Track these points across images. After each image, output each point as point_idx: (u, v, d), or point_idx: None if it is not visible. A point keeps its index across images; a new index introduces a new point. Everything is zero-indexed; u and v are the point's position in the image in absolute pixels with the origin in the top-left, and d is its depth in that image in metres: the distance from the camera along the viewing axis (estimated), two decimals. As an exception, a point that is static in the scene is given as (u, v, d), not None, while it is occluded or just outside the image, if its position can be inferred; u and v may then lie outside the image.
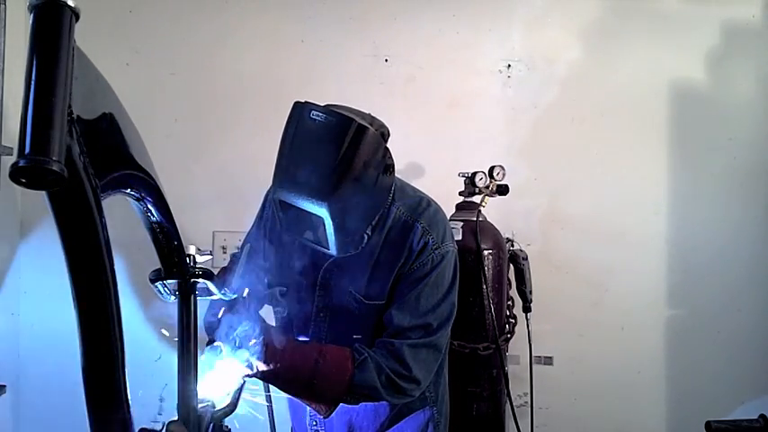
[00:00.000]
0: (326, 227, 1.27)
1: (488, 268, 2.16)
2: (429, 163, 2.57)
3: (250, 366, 1.26)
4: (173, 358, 1.02)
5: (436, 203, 1.51)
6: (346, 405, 1.37)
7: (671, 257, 2.67)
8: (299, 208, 1.27)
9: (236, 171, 2.54)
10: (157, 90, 2.59)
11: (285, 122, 1.31)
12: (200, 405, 1.06)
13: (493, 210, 2.29)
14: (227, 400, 1.19)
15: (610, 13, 2.67)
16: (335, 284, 1.45)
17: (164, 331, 1.06)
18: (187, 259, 1.01)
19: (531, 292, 2.33)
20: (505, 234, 2.33)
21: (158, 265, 0.98)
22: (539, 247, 2.58)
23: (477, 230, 2.14)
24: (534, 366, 2.41)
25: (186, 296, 1.02)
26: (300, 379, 1.31)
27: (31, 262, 2.55)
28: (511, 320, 2.32)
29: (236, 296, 1.18)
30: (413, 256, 1.41)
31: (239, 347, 1.26)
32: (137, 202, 0.85)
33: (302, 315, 1.49)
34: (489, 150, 2.55)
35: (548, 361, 2.60)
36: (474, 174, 2.22)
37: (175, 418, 1.00)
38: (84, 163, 0.59)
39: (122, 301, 0.68)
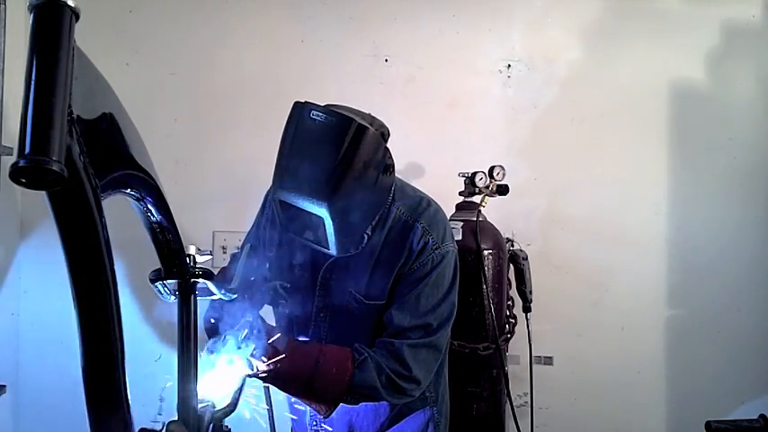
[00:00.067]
0: (326, 227, 1.27)
1: (488, 268, 2.16)
2: (429, 163, 2.57)
3: (250, 366, 1.26)
4: (173, 358, 1.02)
5: (436, 203, 1.51)
6: (346, 405, 1.37)
7: (671, 257, 2.67)
8: (299, 208, 1.27)
9: (237, 171, 2.54)
10: (157, 90, 2.59)
11: (285, 122, 1.31)
12: (200, 405, 1.06)
13: (493, 210, 2.29)
14: (227, 400, 1.19)
15: (610, 13, 2.67)
16: (335, 284, 1.45)
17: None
18: (187, 259, 1.01)
19: (531, 292, 2.33)
20: (505, 234, 2.33)
21: (158, 265, 0.98)
22: (539, 247, 2.58)
23: (477, 230, 2.14)
24: (534, 366, 2.41)
25: (186, 296, 1.02)
26: (300, 379, 1.31)
27: (31, 262, 2.55)
28: (511, 320, 2.32)
29: (236, 296, 1.18)
30: (413, 256, 1.41)
31: (239, 347, 1.26)
32: (137, 202, 0.85)
33: (302, 315, 1.49)
34: (489, 150, 2.55)
35: (548, 361, 2.60)
36: (474, 174, 2.22)
37: (175, 418, 1.00)
38: (84, 163, 0.59)
39: (122, 301, 0.68)
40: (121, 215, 0.90)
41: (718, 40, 2.67)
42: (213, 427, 1.09)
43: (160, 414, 1.02)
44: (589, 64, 2.67)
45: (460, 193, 2.30)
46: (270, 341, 1.28)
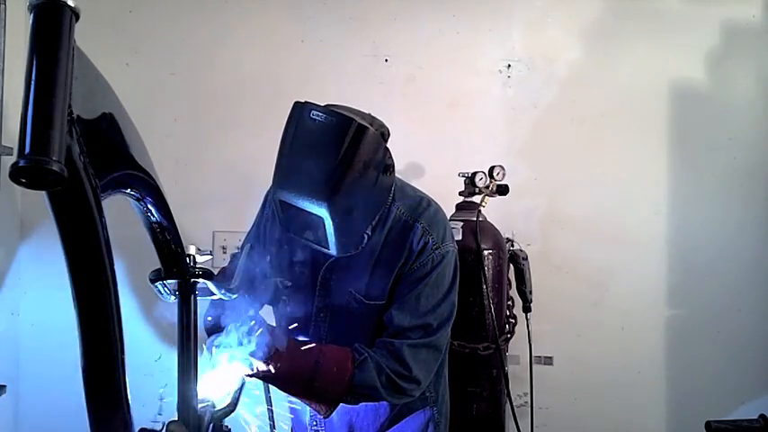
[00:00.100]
0: (326, 227, 1.27)
1: (488, 268, 2.16)
2: (429, 163, 2.57)
3: (250, 366, 1.26)
4: (173, 358, 1.02)
5: (436, 203, 1.51)
6: (346, 405, 1.37)
7: (671, 257, 2.67)
8: (299, 208, 1.27)
9: (236, 171, 2.54)
10: (157, 90, 2.59)
11: (285, 122, 1.31)
12: (200, 405, 1.06)
13: (493, 210, 2.29)
14: (228, 400, 1.19)
15: (610, 13, 2.67)
16: (335, 285, 1.45)
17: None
18: (187, 259, 1.01)
19: (531, 292, 2.33)
20: (505, 234, 2.33)
21: (158, 265, 0.98)
22: (539, 247, 2.58)
23: (477, 230, 2.14)
24: (534, 366, 2.41)
25: (186, 296, 1.02)
26: (300, 379, 1.31)
27: (31, 262, 2.55)
28: (511, 320, 2.32)
29: (236, 296, 1.18)
30: (413, 256, 1.41)
31: (239, 347, 1.26)
32: (137, 202, 0.85)
33: (302, 315, 1.49)
34: (489, 150, 2.55)
35: (548, 361, 2.60)
36: (474, 174, 2.22)
37: (175, 418, 1.00)
38: (84, 163, 0.59)
39: (122, 301, 0.68)
40: (121, 215, 0.90)
41: (718, 40, 2.67)
42: (213, 427, 1.09)
43: (160, 414, 1.02)
44: (589, 64, 2.67)
45: (460, 193, 2.30)
46: (270, 341, 1.28)
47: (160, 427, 0.93)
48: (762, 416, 1.70)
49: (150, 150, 0.86)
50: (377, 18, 2.66)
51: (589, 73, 2.67)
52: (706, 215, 2.68)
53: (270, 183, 1.34)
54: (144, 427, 0.85)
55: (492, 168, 2.26)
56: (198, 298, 1.05)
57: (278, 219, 1.39)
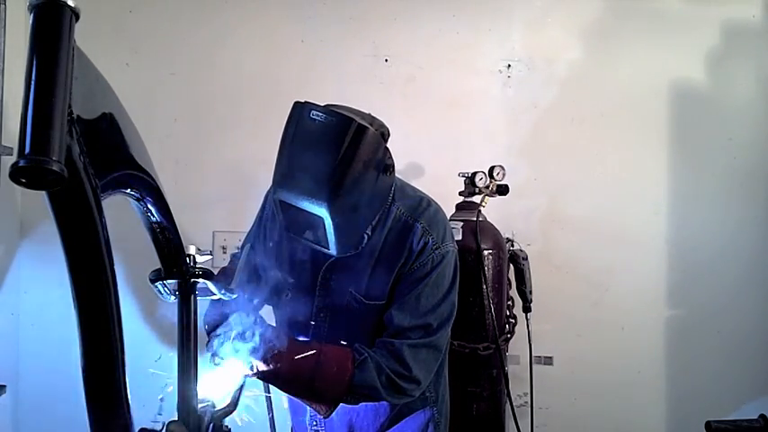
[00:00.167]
0: (326, 227, 1.27)
1: (488, 268, 2.16)
2: (429, 163, 2.57)
3: (250, 366, 1.26)
4: (173, 358, 1.02)
5: (436, 203, 1.51)
6: (346, 405, 1.37)
7: (671, 257, 2.67)
8: (299, 208, 1.27)
9: (236, 171, 2.54)
10: (157, 90, 2.59)
11: (285, 122, 1.31)
12: (200, 405, 1.06)
13: (493, 210, 2.29)
14: (228, 400, 1.19)
15: (610, 13, 2.67)
16: (335, 285, 1.45)
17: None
18: (187, 259, 1.01)
19: (531, 292, 2.33)
20: (505, 234, 2.33)
21: (158, 265, 0.98)
22: (539, 247, 2.58)
23: (477, 230, 2.14)
24: (534, 366, 2.41)
25: (186, 296, 1.02)
26: (300, 379, 1.31)
27: (31, 262, 2.55)
28: (511, 320, 2.32)
29: (236, 296, 1.18)
30: (413, 257, 1.41)
31: (239, 347, 1.26)
32: (137, 202, 0.85)
33: (302, 315, 1.49)
34: (489, 150, 2.55)
35: (548, 361, 2.60)
36: (474, 174, 2.22)
37: (175, 418, 1.00)
38: (84, 163, 0.59)
39: (122, 301, 0.68)
40: (121, 215, 0.90)
41: (718, 40, 2.67)
42: (213, 427, 1.09)
43: (160, 414, 1.02)
44: (589, 64, 2.67)
45: (460, 193, 2.30)
46: (270, 341, 1.28)
47: (160, 427, 0.93)
48: (762, 416, 1.70)
49: (150, 150, 0.86)
50: (377, 18, 2.66)
51: (589, 73, 2.67)
52: (706, 215, 2.68)
53: (270, 183, 1.34)
54: (144, 427, 0.85)
55: (492, 168, 2.26)
56: (198, 298, 1.05)
57: (278, 219, 1.39)
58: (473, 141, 2.64)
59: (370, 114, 1.35)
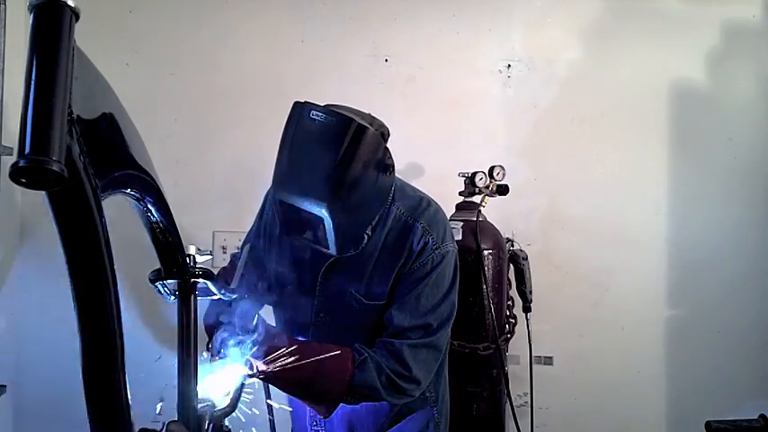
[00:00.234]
0: (326, 227, 1.27)
1: (488, 268, 2.16)
2: (429, 163, 2.57)
3: (250, 366, 1.26)
4: (173, 358, 1.02)
5: (436, 203, 1.51)
6: (346, 405, 1.37)
7: (671, 257, 2.68)
8: (298, 208, 1.27)
9: (236, 171, 2.54)
10: (157, 90, 2.59)
11: (285, 122, 1.31)
12: (200, 405, 1.06)
13: (493, 210, 2.29)
14: (227, 400, 1.19)
15: (610, 13, 2.67)
16: (335, 285, 1.45)
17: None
18: (187, 259, 1.01)
19: (531, 292, 2.33)
20: (505, 234, 2.33)
21: (158, 265, 0.98)
22: (539, 247, 2.58)
23: (477, 230, 2.14)
24: (534, 366, 2.41)
25: (186, 296, 1.02)
26: (300, 379, 1.31)
27: (31, 262, 2.55)
28: (511, 320, 2.32)
29: (236, 296, 1.18)
30: (413, 257, 1.41)
31: (239, 347, 1.26)
32: (137, 202, 0.85)
33: (302, 315, 1.49)
34: (489, 150, 2.55)
35: (548, 361, 2.60)
36: (474, 174, 2.22)
37: (175, 418, 1.00)
38: (84, 163, 0.59)
39: (122, 301, 0.68)
40: (121, 215, 0.90)
41: (718, 40, 2.67)
42: (213, 427, 1.09)
43: (160, 414, 1.02)
44: (589, 64, 2.67)
45: (460, 193, 2.30)
46: (270, 341, 1.28)
47: (160, 427, 0.93)
48: (762, 416, 1.70)
49: (150, 150, 0.86)
50: (377, 18, 2.66)
51: (589, 73, 2.67)
52: (706, 215, 2.68)
53: (270, 183, 1.34)
54: (144, 427, 0.85)
55: (492, 168, 2.26)
56: (198, 298, 1.05)
57: (278, 219, 1.39)
58: (473, 141, 2.64)
59: (370, 114, 1.35)
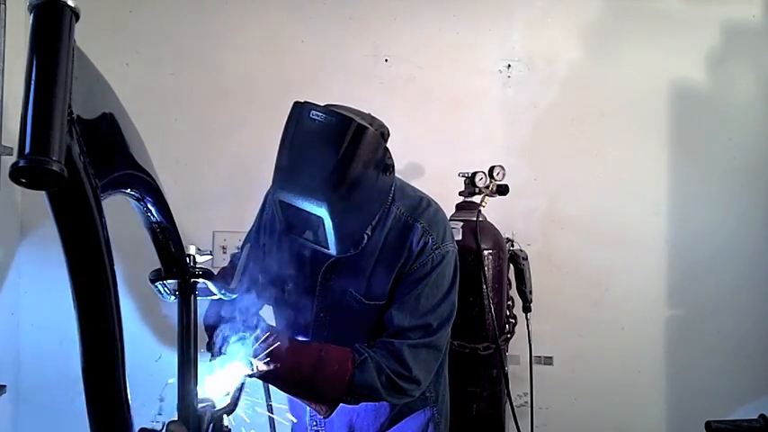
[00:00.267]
0: (326, 227, 1.27)
1: (488, 268, 2.16)
2: (429, 163, 2.57)
3: (250, 366, 1.26)
4: (173, 358, 1.02)
5: (436, 203, 1.51)
6: (347, 405, 1.37)
7: (671, 257, 2.68)
8: (298, 208, 1.27)
9: (237, 171, 2.54)
10: (157, 90, 2.59)
11: (285, 122, 1.31)
12: (200, 405, 1.06)
13: (493, 210, 2.29)
14: (228, 400, 1.19)
15: (610, 13, 2.67)
16: (335, 285, 1.45)
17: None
18: (187, 259, 1.01)
19: (531, 292, 2.33)
20: (505, 234, 2.33)
21: (158, 265, 0.98)
22: (539, 247, 2.58)
23: (477, 230, 2.14)
24: (534, 366, 2.41)
25: (186, 296, 1.02)
26: (300, 379, 1.31)
27: (31, 262, 2.55)
28: (511, 320, 2.32)
29: (236, 296, 1.18)
30: (413, 257, 1.41)
31: (239, 347, 1.26)
32: (137, 202, 0.85)
33: (302, 315, 1.49)
34: (489, 150, 2.55)
35: (548, 361, 2.60)
36: (474, 174, 2.22)
37: (175, 418, 1.00)
38: (84, 163, 0.59)
39: (122, 301, 0.68)
40: (121, 215, 0.90)
41: (718, 40, 2.67)
42: (213, 426, 1.09)
43: (160, 414, 1.02)
44: (589, 64, 2.67)
45: (460, 193, 2.30)
46: (270, 341, 1.28)
47: (160, 427, 0.93)
48: (762, 416, 1.71)
49: (150, 150, 0.86)
50: (377, 18, 2.66)
51: (589, 73, 2.67)
52: (706, 215, 2.68)
53: (270, 183, 1.34)
54: (144, 426, 0.85)
55: (492, 168, 2.26)
56: (198, 298, 1.05)
57: (278, 219, 1.39)
58: (473, 141, 2.64)
59: (370, 114, 1.35)
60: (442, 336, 1.43)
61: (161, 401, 1.06)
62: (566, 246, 2.65)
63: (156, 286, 1.01)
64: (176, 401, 1.01)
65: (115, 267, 0.66)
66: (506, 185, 2.26)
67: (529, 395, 2.40)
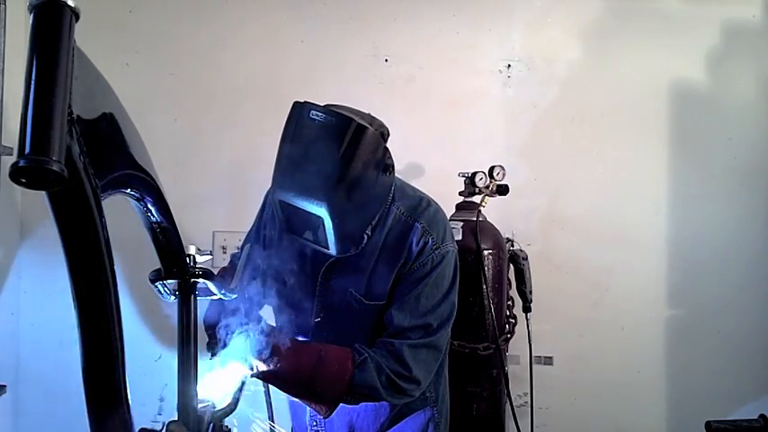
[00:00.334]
0: (326, 227, 1.27)
1: (488, 268, 2.16)
2: (429, 163, 2.57)
3: (250, 366, 1.26)
4: (173, 358, 1.02)
5: (436, 203, 1.51)
6: (347, 405, 1.37)
7: (671, 257, 2.67)
8: (298, 208, 1.27)
9: (236, 171, 2.54)
10: (157, 90, 2.59)
11: (285, 122, 1.31)
12: (200, 405, 1.06)
13: (493, 210, 2.29)
14: (228, 400, 1.19)
15: (610, 13, 2.67)
16: (335, 285, 1.45)
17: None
18: (187, 259, 1.01)
19: (531, 292, 2.33)
20: (505, 234, 2.33)
21: (158, 265, 0.98)
22: (539, 247, 2.58)
23: (477, 230, 2.14)
24: (534, 366, 2.41)
25: (186, 296, 1.02)
26: (301, 379, 1.31)
27: (31, 262, 2.55)
28: (511, 320, 2.32)
29: (235, 296, 1.18)
30: (413, 257, 1.41)
31: (239, 347, 1.26)
32: (137, 202, 0.85)
33: (302, 315, 1.49)
34: (489, 150, 2.55)
35: (548, 361, 2.60)
36: (474, 174, 2.22)
37: (175, 418, 1.00)
38: (84, 163, 0.59)
39: (122, 301, 0.68)
40: (121, 215, 0.90)
41: (718, 40, 2.67)
42: (213, 427, 1.09)
43: (160, 414, 1.02)
44: (589, 64, 2.67)
45: (460, 193, 2.30)
46: (270, 341, 1.28)
47: (160, 427, 0.93)
48: (762, 416, 1.71)
49: (150, 150, 0.86)
50: (377, 18, 2.66)
51: (589, 73, 2.67)
52: (706, 215, 2.68)
53: (270, 183, 1.34)
54: (144, 427, 0.85)
55: (492, 168, 2.26)
56: (198, 298, 1.05)
57: (278, 219, 1.39)
58: (473, 141, 2.64)
59: (369, 114, 1.35)
60: (442, 336, 1.43)
61: (161, 401, 1.06)
62: (566, 246, 2.65)
63: (156, 286, 1.01)
64: (176, 401, 1.01)
65: (115, 267, 0.66)
66: (506, 185, 2.26)
67: (529, 395, 2.40)
